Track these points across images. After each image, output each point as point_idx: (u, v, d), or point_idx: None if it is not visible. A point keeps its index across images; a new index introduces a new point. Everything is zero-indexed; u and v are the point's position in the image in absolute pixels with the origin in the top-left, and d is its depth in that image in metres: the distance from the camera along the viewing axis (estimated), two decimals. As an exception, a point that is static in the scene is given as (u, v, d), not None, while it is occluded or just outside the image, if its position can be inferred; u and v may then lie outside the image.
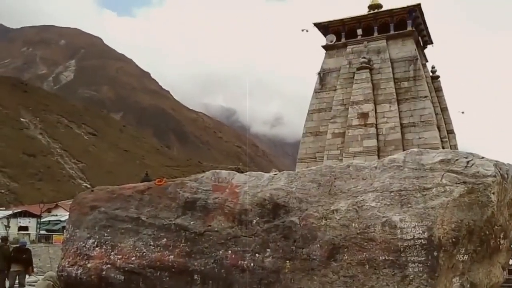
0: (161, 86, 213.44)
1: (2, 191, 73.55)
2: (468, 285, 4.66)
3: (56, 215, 43.62)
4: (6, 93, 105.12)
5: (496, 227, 4.92)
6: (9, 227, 36.04)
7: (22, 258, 11.73)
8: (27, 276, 12.22)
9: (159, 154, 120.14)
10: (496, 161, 5.37)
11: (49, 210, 45.56)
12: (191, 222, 5.85)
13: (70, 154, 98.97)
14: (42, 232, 37.12)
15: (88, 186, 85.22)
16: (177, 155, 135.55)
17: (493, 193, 4.87)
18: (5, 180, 77.63)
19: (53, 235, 32.33)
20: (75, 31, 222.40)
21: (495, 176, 4.98)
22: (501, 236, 5.05)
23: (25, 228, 38.93)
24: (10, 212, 42.08)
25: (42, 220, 40.36)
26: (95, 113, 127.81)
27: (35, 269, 13.50)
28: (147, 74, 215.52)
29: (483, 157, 5.45)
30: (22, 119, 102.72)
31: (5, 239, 12.90)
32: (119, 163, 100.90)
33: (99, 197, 6.43)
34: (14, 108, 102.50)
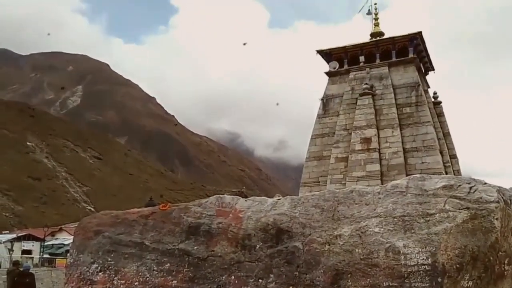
0: (166, 111, 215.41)
1: (7, 214, 73.52)
2: (473, 312, 4.61)
3: (59, 238, 43.42)
4: (14, 118, 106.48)
5: (500, 253, 4.91)
6: (12, 250, 35.88)
7: (25, 282, 11.83)
8: None
9: (163, 178, 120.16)
10: (499, 187, 5.39)
11: (53, 234, 45.39)
12: (195, 247, 5.86)
13: (75, 178, 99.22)
14: (45, 255, 36.89)
15: (92, 209, 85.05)
16: (181, 178, 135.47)
17: (497, 219, 4.88)
18: (10, 204, 77.68)
19: (56, 259, 32.12)
20: (83, 58, 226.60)
21: (498, 202, 5.00)
22: (506, 262, 5.03)
23: (29, 252, 38.69)
24: (14, 235, 41.95)
25: (45, 243, 40.16)
26: (100, 137, 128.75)
27: None
28: (152, 99, 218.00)
29: (485, 183, 5.48)
30: (28, 143, 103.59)
31: (16, 263, 13.03)
32: (123, 187, 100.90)
33: (103, 221, 6.46)
34: (21, 132, 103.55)
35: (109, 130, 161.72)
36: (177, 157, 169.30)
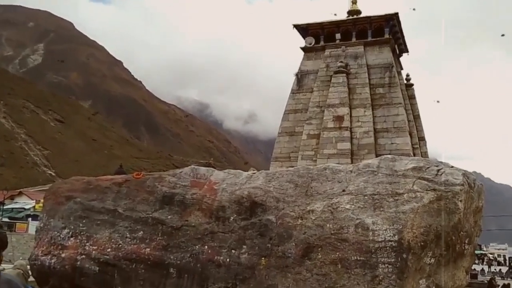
0: (133, 76, 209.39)
1: (-39, 175, 70.51)
2: (434, 287, 4.92)
3: (19, 202, 42.23)
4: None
5: (462, 233, 5.22)
6: (-32, 213, 34.67)
7: None
8: None
9: (128, 145, 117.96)
10: (464, 170, 5.68)
11: (12, 197, 44.01)
12: (169, 216, 5.89)
13: (35, 141, 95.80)
14: (5, 219, 35.87)
15: (53, 174, 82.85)
16: (147, 147, 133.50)
17: (461, 201, 5.16)
18: (-36, 164, 74.41)
19: (16, 223, 31.33)
20: (45, 14, 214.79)
21: (463, 185, 5.27)
22: (466, 242, 5.36)
23: (-14, 215, 37.46)
24: (-31, 197, 40.44)
25: (4, 207, 38.98)
26: (63, 100, 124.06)
27: None
28: (119, 63, 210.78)
29: (452, 166, 5.76)
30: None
31: None
32: (86, 152, 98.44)
33: (75, 187, 6.37)
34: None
35: (72, 93, 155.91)
36: (144, 125, 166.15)
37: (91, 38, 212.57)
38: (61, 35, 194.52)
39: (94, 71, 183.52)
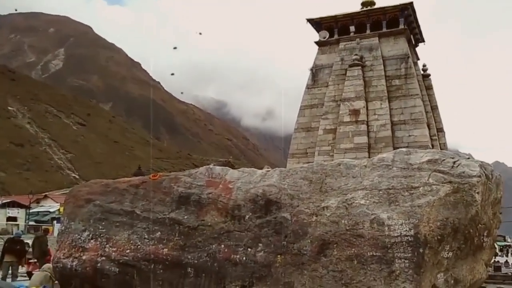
0: (151, 77, 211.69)
1: (-11, 180, 72.73)
2: (452, 281, 4.85)
3: (45, 205, 43.32)
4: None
5: (480, 225, 5.12)
6: (-3, 217, 35.75)
7: (16, 249, 11.75)
8: (20, 268, 12.27)
9: (148, 146, 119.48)
10: (481, 161, 5.57)
11: (37, 201, 45.21)
12: (185, 217, 5.97)
13: (59, 144, 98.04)
14: (31, 223, 36.88)
15: (77, 176, 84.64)
16: (167, 147, 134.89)
17: (478, 193, 5.06)
18: (-8, 170, 76.74)
19: (42, 226, 32.18)
20: (65, 19, 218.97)
21: (480, 177, 5.17)
22: (485, 234, 5.25)
23: (14, 219, 38.58)
24: (-2, 202, 41.70)
25: (31, 211, 40.07)
26: (84, 103, 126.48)
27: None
28: (137, 64, 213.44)
29: (469, 158, 5.65)
30: (9, 108, 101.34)
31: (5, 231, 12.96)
32: (108, 154, 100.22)
33: (94, 190, 6.51)
34: (2, 96, 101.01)
35: (93, 96, 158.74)
36: (163, 125, 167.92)
37: (110, 41, 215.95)
38: (80, 40, 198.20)
39: (114, 74, 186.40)
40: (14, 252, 11.68)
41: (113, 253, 5.90)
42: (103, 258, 5.91)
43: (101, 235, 6.09)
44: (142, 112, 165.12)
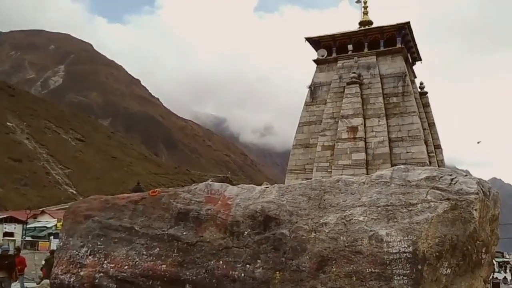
0: (150, 93, 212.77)
1: (-14, 196, 72.34)
2: (451, 298, 4.85)
3: (42, 221, 43.01)
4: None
5: (478, 242, 5.14)
6: (-7, 233, 35.46)
7: (4, 264, 11.58)
8: (13, 283, 12.13)
9: (147, 162, 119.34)
10: (479, 178, 5.62)
11: (35, 216, 44.88)
12: (184, 233, 5.97)
13: (57, 160, 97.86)
14: (28, 238, 36.55)
15: (75, 192, 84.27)
16: (166, 162, 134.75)
17: (476, 210, 5.10)
18: (-11, 185, 76.40)
19: (39, 242, 31.91)
20: (65, 37, 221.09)
21: (477, 194, 5.21)
22: (483, 251, 5.27)
23: (11, 234, 38.21)
24: (-5, 217, 41.37)
25: (27, 226, 39.77)
26: (83, 119, 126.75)
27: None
28: (136, 81, 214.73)
29: (466, 175, 5.70)
30: (8, 123, 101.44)
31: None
32: (106, 170, 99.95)
33: (93, 206, 6.52)
34: (1, 112, 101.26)
35: (92, 112, 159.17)
36: (162, 141, 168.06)
37: (110, 58, 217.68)
38: (80, 57, 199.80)
39: (113, 90, 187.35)
40: (4, 268, 11.51)
41: (111, 269, 5.88)
42: (101, 274, 5.88)
43: (100, 251, 6.07)
44: (141, 128, 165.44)
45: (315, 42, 19.64)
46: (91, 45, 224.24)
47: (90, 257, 6.06)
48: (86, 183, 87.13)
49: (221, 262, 5.62)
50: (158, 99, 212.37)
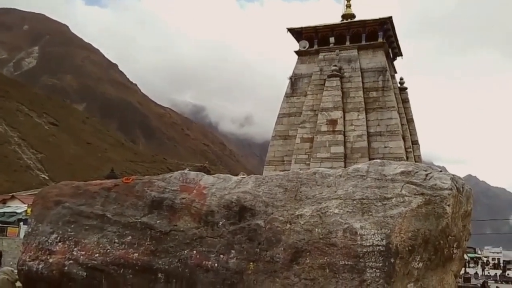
0: (128, 79, 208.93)
1: (-46, 178, 69.96)
2: (421, 291, 4.92)
3: (11, 206, 41.89)
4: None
5: (450, 237, 5.22)
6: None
7: None
8: None
9: (123, 149, 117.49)
10: (453, 175, 5.70)
11: (4, 201, 43.64)
12: (157, 221, 5.88)
13: (29, 144, 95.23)
14: (-4, 224, 35.54)
15: (46, 177, 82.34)
16: (142, 150, 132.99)
17: (449, 205, 5.17)
18: (-43, 168, 73.87)
19: (8, 228, 31.06)
20: (40, 17, 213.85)
21: (451, 189, 5.29)
22: (455, 246, 5.36)
23: (-22, 220, 37.14)
24: (-38, 201, 40.05)
25: (-4, 211, 38.65)
26: (57, 103, 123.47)
27: None
28: (114, 66, 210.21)
29: (441, 171, 5.77)
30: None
31: None
32: (80, 156, 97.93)
33: (64, 192, 6.34)
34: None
35: (66, 96, 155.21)
36: (139, 128, 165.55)
37: (87, 41, 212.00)
38: (56, 38, 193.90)
39: (89, 74, 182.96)
40: None
41: (81, 257, 5.74)
42: (71, 261, 5.74)
43: (70, 238, 5.92)
44: (117, 114, 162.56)
45: (297, 33, 19.56)
46: (67, 27, 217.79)
47: (59, 243, 5.90)
48: (59, 168, 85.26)
49: (194, 251, 5.56)
50: (136, 85, 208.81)
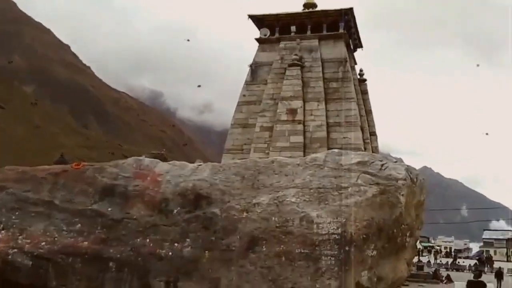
0: (81, 61, 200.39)
1: None
2: (375, 279, 5.03)
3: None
4: None
5: (403, 226, 5.37)
6: None
7: None
8: None
9: (75, 134, 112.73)
10: (407, 165, 5.85)
11: None
12: (109, 209, 5.66)
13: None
14: None
15: (-8, 162, 78.04)
16: (96, 136, 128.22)
17: (403, 195, 5.30)
18: None
19: None
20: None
21: (405, 180, 5.43)
22: (408, 235, 5.52)
23: None
24: None
25: None
26: (4, 84, 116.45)
27: None
28: (66, 47, 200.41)
29: (396, 161, 5.91)
30: None
31: None
32: (28, 140, 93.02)
33: (7, 177, 5.96)
34: None
35: (14, 77, 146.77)
36: (92, 112, 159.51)
37: (37, 20, 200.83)
38: (2, 16, 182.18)
39: (39, 55, 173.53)
40: None
41: (27, 245, 5.43)
42: (15, 250, 5.43)
43: (14, 226, 5.60)
44: (69, 97, 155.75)
45: (259, 20, 19.32)
46: (15, 4, 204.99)
47: (3, 231, 5.57)
48: (6, 153, 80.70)
49: (148, 240, 5.40)
50: (89, 67, 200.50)
